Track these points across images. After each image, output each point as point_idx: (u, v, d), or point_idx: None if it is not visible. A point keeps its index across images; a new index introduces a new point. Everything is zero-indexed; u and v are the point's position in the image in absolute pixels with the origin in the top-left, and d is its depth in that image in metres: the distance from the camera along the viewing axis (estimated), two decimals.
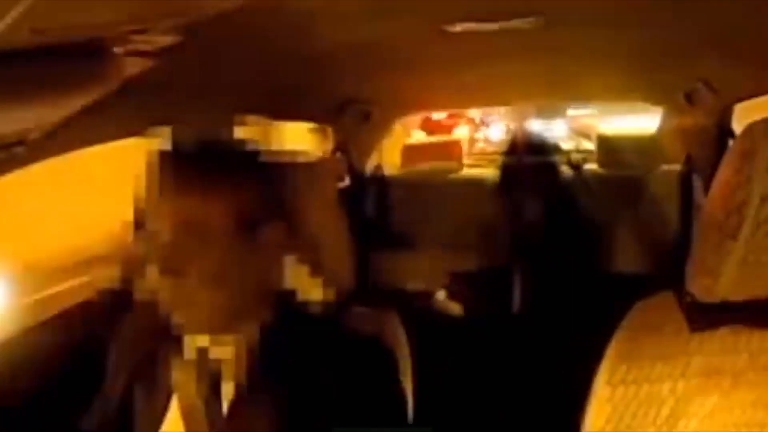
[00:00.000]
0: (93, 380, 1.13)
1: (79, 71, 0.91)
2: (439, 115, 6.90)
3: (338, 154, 2.72)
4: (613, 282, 2.72)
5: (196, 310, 0.94)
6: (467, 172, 3.20)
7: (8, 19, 0.65)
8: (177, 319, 0.95)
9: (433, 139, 3.44)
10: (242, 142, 1.02)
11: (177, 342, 1.00)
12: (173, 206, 0.93)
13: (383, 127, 2.88)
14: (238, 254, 0.94)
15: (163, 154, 0.95)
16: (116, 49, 0.93)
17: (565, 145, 5.46)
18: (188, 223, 0.92)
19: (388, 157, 3.17)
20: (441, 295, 2.79)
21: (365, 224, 2.98)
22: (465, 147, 3.37)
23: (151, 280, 0.94)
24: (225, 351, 0.98)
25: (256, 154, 1.00)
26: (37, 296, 1.71)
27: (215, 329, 0.96)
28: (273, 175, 1.00)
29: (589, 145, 6.59)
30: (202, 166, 0.95)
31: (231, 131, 1.06)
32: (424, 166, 3.08)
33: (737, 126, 2.19)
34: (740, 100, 2.10)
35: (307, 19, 1.18)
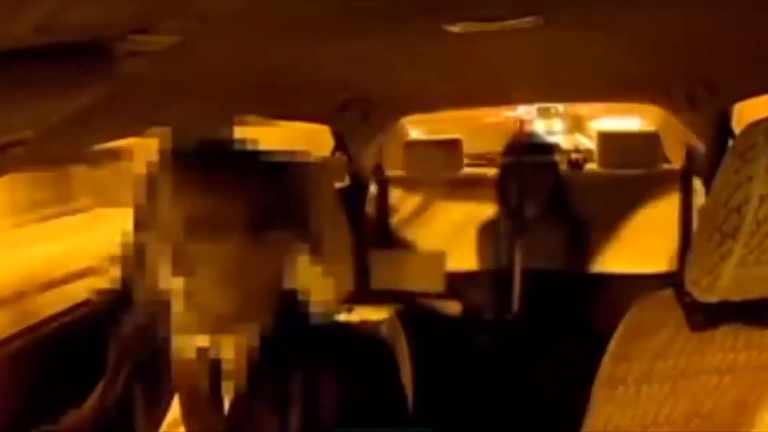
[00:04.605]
0: (93, 380, 1.13)
1: (79, 71, 0.91)
2: None
3: (338, 154, 2.72)
4: (613, 282, 2.72)
5: (203, 309, 0.94)
6: (467, 171, 3.20)
7: (10, 19, 0.65)
8: (181, 318, 0.95)
9: (434, 137, 3.44)
10: (248, 141, 1.03)
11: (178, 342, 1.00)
12: (182, 206, 0.93)
13: (383, 127, 2.88)
14: (246, 254, 0.94)
15: (170, 154, 0.95)
16: (116, 49, 0.93)
17: (561, 139, 5.48)
18: (197, 223, 0.92)
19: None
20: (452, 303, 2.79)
21: (365, 224, 2.98)
22: None
23: (153, 280, 0.94)
24: (226, 351, 0.98)
25: (262, 153, 1.00)
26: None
27: (218, 329, 0.96)
28: (280, 175, 1.00)
29: (584, 140, 6.61)
30: (210, 166, 0.95)
31: (232, 131, 1.06)
32: (425, 164, 3.08)
33: (737, 126, 2.19)
34: (740, 100, 2.10)
35: (307, 19, 1.18)
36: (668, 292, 0.99)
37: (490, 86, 2.41)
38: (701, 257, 0.88)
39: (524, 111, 7.38)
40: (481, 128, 5.73)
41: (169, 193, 0.94)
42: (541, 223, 2.78)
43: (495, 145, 3.21)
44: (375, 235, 3.04)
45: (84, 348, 1.25)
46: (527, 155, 2.83)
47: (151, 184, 0.96)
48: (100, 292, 1.63)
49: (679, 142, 2.83)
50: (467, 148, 3.23)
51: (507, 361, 2.63)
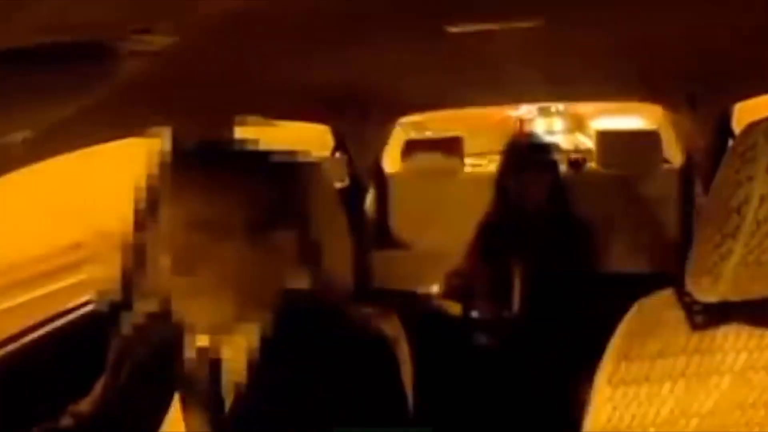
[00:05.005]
0: (93, 380, 1.13)
1: (79, 71, 0.91)
2: None
3: (338, 154, 2.73)
4: (613, 282, 2.72)
5: (203, 309, 0.94)
6: (467, 170, 3.20)
7: (10, 19, 0.65)
8: (182, 318, 0.95)
9: (434, 135, 3.45)
10: (250, 141, 1.03)
11: (178, 341, 1.00)
12: (182, 206, 0.93)
13: (383, 127, 2.88)
14: (248, 255, 0.94)
15: (172, 154, 0.95)
16: (116, 49, 0.93)
17: (562, 139, 5.49)
18: (198, 223, 0.92)
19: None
20: (434, 288, 2.78)
21: (365, 224, 2.98)
22: None
23: (154, 279, 0.94)
24: (226, 351, 0.98)
25: (266, 153, 1.00)
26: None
27: (219, 329, 0.96)
28: (280, 175, 1.00)
29: (584, 139, 6.62)
30: (210, 166, 0.95)
31: (232, 131, 1.06)
32: (425, 163, 3.08)
33: (737, 126, 2.19)
34: (740, 100, 2.10)
35: (307, 19, 1.18)
36: (668, 292, 0.98)
37: (490, 86, 2.41)
38: (701, 257, 0.88)
39: (526, 110, 7.40)
40: (485, 127, 5.75)
41: (169, 193, 0.94)
42: (541, 223, 2.78)
43: (499, 144, 3.22)
44: (375, 235, 3.04)
45: (84, 348, 1.25)
46: (527, 155, 2.83)
47: (152, 183, 0.96)
48: (100, 292, 1.63)
49: (679, 142, 2.83)
50: (473, 147, 3.24)
51: (507, 361, 2.63)
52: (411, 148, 3.11)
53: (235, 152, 1.02)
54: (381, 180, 3.13)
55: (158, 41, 0.96)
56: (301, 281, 1.04)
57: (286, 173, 1.01)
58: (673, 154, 2.98)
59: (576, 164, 3.35)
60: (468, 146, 3.23)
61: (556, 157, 2.97)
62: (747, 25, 1.35)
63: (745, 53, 1.60)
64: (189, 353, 0.99)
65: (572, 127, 8.06)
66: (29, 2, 0.66)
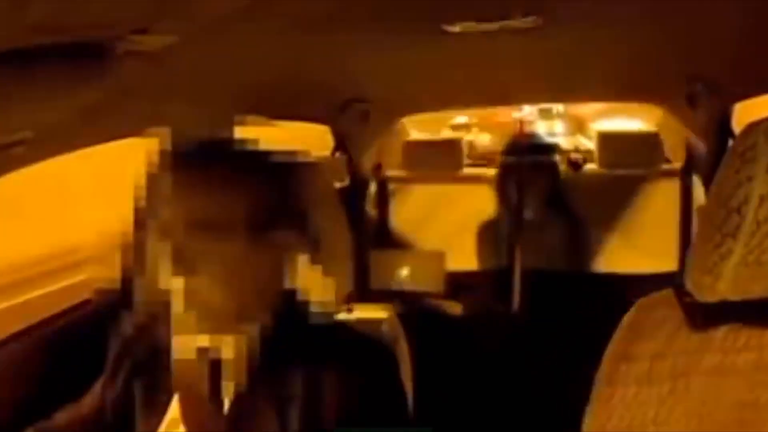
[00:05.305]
0: (93, 380, 1.13)
1: (79, 71, 0.91)
2: None
3: (338, 154, 2.72)
4: (613, 282, 2.73)
5: (203, 309, 0.94)
6: (467, 171, 3.20)
7: (10, 19, 0.65)
8: (181, 318, 0.95)
9: (433, 137, 3.44)
10: (251, 141, 1.03)
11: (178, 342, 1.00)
12: (182, 206, 0.93)
13: (383, 127, 2.88)
14: (248, 255, 0.94)
15: (172, 154, 0.95)
16: (116, 49, 0.93)
17: (563, 141, 5.49)
18: (198, 223, 0.92)
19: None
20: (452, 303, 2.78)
21: (365, 224, 2.98)
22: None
23: (153, 280, 0.94)
24: (226, 351, 0.98)
25: (266, 153, 1.00)
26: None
27: (218, 329, 0.96)
28: (280, 175, 1.00)
29: (586, 141, 6.62)
30: (210, 166, 0.95)
31: (232, 131, 1.06)
32: (424, 164, 3.08)
33: (737, 126, 2.19)
34: (740, 100, 2.10)
35: (307, 20, 1.19)
36: (668, 292, 0.98)
37: (490, 86, 2.41)
38: (701, 257, 0.88)
39: (528, 112, 7.40)
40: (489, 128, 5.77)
41: (169, 193, 0.94)
42: (541, 223, 2.78)
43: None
44: (375, 235, 3.04)
45: (84, 348, 1.25)
46: (527, 155, 2.83)
47: (152, 183, 0.96)
48: (100, 292, 1.63)
49: (679, 142, 2.83)
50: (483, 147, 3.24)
51: (507, 361, 2.63)
52: (410, 149, 3.11)
53: (235, 152, 1.02)
54: (381, 180, 3.13)
55: (158, 41, 0.96)
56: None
57: (286, 173, 1.01)
58: (673, 154, 2.98)
59: (575, 164, 3.35)
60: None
61: (556, 157, 2.98)
62: (747, 24, 1.35)
63: (746, 53, 1.60)
64: (188, 353, 0.99)
65: (573, 129, 8.05)
66: (29, 2, 0.66)
